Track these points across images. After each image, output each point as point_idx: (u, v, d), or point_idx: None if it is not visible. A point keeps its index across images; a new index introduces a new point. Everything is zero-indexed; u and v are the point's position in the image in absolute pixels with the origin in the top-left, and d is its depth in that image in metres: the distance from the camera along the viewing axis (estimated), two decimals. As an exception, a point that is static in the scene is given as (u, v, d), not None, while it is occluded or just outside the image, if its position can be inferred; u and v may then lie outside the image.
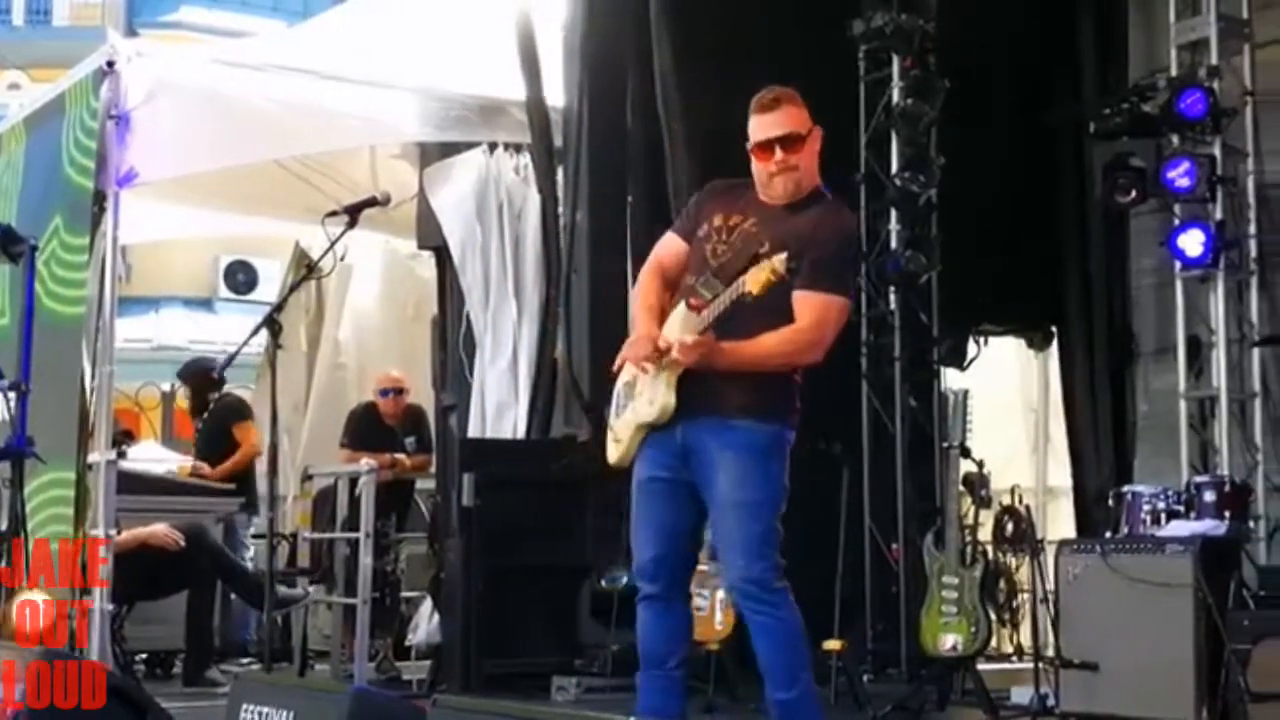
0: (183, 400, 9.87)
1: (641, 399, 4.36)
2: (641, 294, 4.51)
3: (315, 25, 9.11)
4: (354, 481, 7.62)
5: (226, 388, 9.17)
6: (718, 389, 4.26)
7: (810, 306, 4.26)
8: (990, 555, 7.44)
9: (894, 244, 7.99)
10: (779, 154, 4.36)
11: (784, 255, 4.04)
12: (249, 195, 9.10)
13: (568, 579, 7.15)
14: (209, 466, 8.70)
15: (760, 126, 4.41)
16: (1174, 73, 7.38)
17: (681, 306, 4.32)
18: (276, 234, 11.02)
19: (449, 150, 8.42)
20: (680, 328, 4.28)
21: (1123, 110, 7.31)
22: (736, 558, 4.28)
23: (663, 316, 4.43)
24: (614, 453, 4.47)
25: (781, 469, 4.40)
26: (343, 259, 9.77)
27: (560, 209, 7.88)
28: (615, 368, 4.50)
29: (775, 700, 4.30)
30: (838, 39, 7.93)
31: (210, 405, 9.03)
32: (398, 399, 9.00)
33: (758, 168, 4.44)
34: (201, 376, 9.04)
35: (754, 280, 4.06)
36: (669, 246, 4.57)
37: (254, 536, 9.09)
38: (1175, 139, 7.25)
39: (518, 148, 8.25)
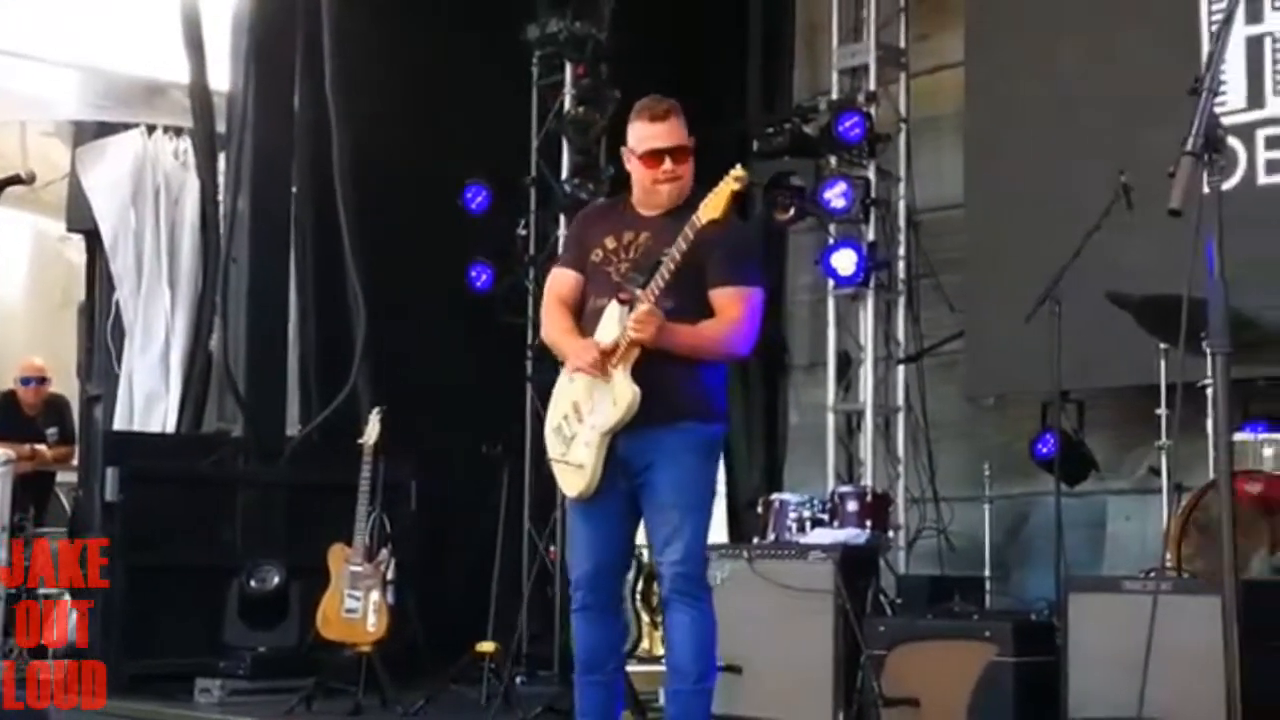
0: None
1: (599, 407, 4.25)
2: (555, 320, 4.45)
3: (-34, -9, 8.62)
4: (-12, 473, 7.24)
5: None
6: (662, 394, 4.21)
7: (736, 299, 4.29)
8: (644, 558, 7.55)
9: (561, 250, 8.01)
10: (668, 164, 4.40)
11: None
12: (-116, 166, 8.54)
13: (215, 578, 6.96)
14: None
15: (652, 135, 4.40)
16: (835, 96, 7.67)
17: (613, 304, 4.26)
18: (-87, 209, 10.37)
19: (105, 130, 8.12)
20: (618, 323, 4.23)
21: (785, 130, 7.51)
22: (675, 553, 4.27)
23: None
24: (581, 480, 4.29)
25: (717, 469, 4.51)
26: (-16, 238, 9.24)
27: (221, 196, 7.66)
28: (552, 418, 4.39)
29: (676, 692, 4.31)
30: (511, 41, 7.94)
31: None
32: (39, 388, 8.60)
33: (643, 174, 4.43)
34: None
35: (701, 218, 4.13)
36: (564, 281, 4.51)
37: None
38: (833, 160, 7.52)
39: (178, 131, 8.04)
